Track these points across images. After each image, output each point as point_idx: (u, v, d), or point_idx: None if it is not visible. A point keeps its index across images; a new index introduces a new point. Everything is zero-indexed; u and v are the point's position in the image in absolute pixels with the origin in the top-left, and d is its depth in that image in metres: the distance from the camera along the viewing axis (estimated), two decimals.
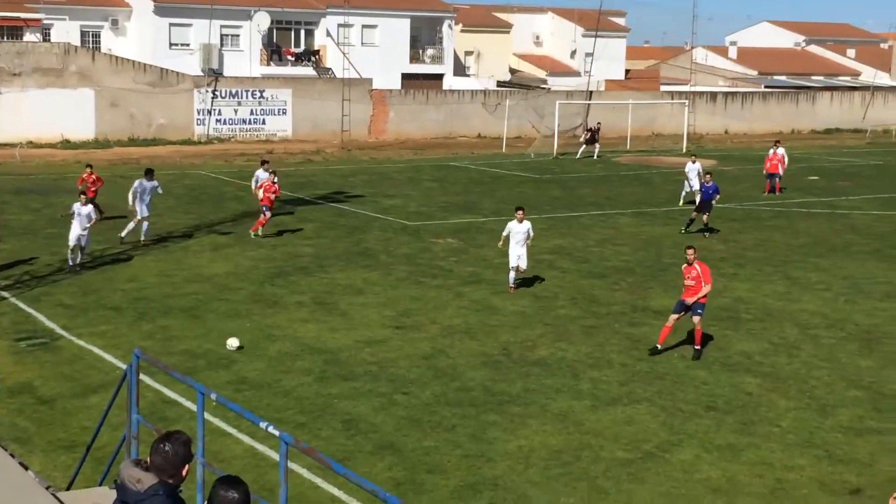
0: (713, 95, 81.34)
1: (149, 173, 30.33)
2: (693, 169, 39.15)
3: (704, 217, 33.66)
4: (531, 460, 14.77)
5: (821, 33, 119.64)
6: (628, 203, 40.71)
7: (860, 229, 35.62)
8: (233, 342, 19.65)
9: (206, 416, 14.91)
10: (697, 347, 20.03)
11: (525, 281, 26.19)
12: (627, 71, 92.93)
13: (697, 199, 34.91)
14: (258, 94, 62.66)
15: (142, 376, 14.92)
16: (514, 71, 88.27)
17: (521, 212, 25.15)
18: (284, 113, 63.52)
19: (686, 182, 39.89)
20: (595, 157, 58.27)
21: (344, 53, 67.10)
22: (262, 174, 32.95)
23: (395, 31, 76.74)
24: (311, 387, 17.75)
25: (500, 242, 25.45)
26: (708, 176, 34.45)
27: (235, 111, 62.16)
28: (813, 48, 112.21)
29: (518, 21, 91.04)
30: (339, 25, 72.82)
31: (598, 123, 63.04)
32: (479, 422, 16.23)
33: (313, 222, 34.26)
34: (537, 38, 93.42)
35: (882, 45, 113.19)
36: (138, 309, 22.68)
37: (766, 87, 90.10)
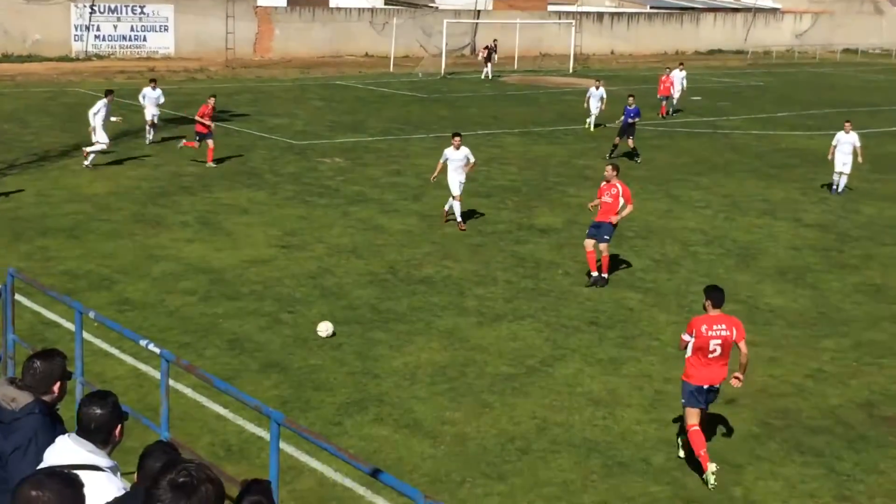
0: (600, 16, 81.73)
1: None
2: (596, 95, 39.11)
3: (630, 141, 32.92)
4: (417, 376, 14.91)
5: None
6: (515, 123, 40.88)
7: (740, 149, 36.38)
8: (325, 327, 16.55)
9: (88, 337, 14.73)
10: (605, 275, 19.67)
11: (412, 199, 26.22)
12: None
13: (618, 123, 34.39)
14: (138, 10, 60.97)
15: (19, 297, 14.62)
16: None
17: (457, 138, 23.31)
18: (166, 30, 61.99)
19: (587, 107, 39.68)
20: (489, 77, 58.11)
21: None
22: (149, 92, 33.16)
23: None
24: (195, 307, 17.59)
25: (435, 174, 23.72)
26: (631, 98, 33.76)
27: (115, 27, 60.45)
28: None
29: None
30: None
31: (495, 41, 62.38)
32: (366, 339, 16.29)
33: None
34: None
35: None
36: (15, 229, 22.12)
37: (651, 7, 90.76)
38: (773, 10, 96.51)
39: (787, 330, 17.52)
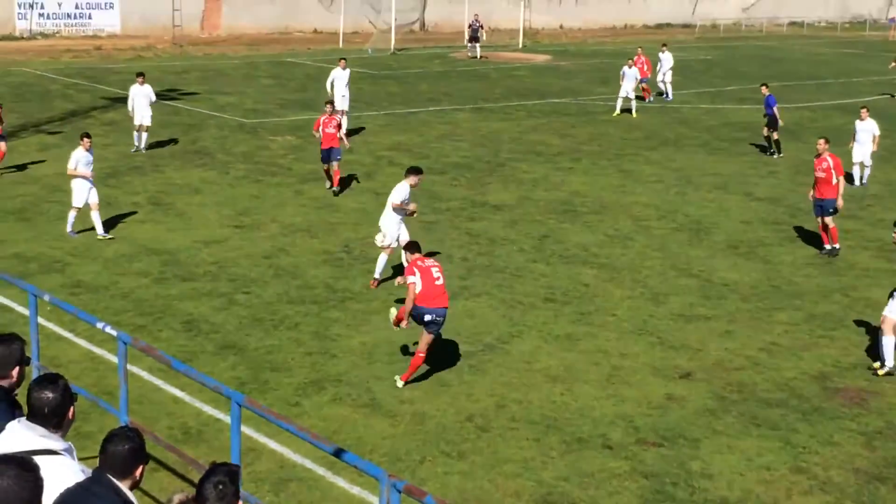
0: None
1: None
2: (630, 75, 37.21)
3: (775, 133, 30.71)
4: (374, 356, 14.90)
5: None
6: (466, 99, 40.83)
7: (690, 123, 36.60)
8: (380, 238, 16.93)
9: (41, 320, 14.53)
10: (836, 246, 20.54)
11: (364, 177, 26.15)
12: None
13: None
14: None
15: None
16: None
17: (415, 176, 17.95)
18: (112, 7, 61.22)
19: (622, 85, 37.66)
20: (478, 57, 56.85)
21: None
22: (138, 89, 28.52)
23: None
24: (149, 288, 17.44)
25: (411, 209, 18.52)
26: (764, 87, 31.74)
27: (59, 5, 59.59)
28: None
29: None
30: None
31: (476, 16, 60.65)
32: (322, 319, 16.24)
33: None
34: None
35: None
36: None
37: None
38: None
39: (741, 304, 17.68)
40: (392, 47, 59.30)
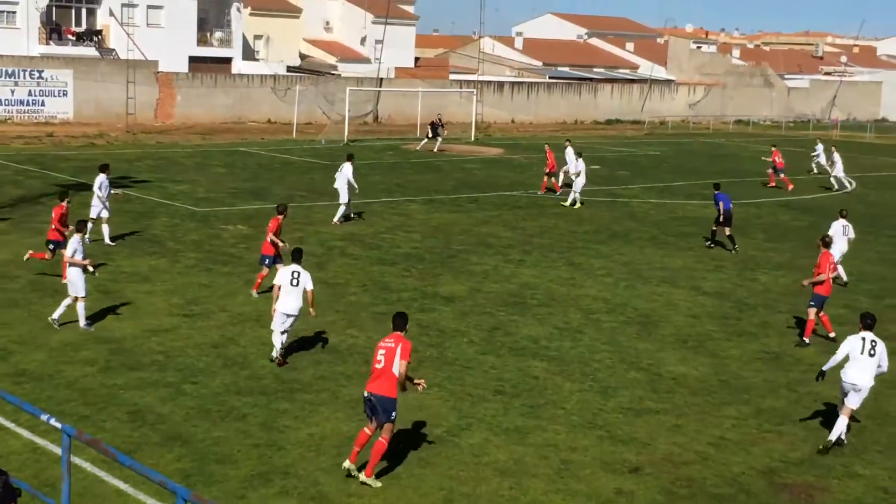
0: (500, 85, 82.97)
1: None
2: (573, 162, 38.44)
3: (727, 230, 31.20)
4: (322, 448, 14.73)
5: (602, 27, 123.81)
6: (418, 190, 41.07)
7: (639, 217, 37.01)
8: None
9: None
10: (806, 339, 21.51)
11: (316, 268, 26.09)
12: (417, 59, 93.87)
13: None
14: (36, 75, 60.19)
15: None
16: (304, 56, 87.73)
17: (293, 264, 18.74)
18: (65, 94, 61.25)
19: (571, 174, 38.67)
20: (435, 151, 57.15)
21: (128, 34, 65.12)
22: (104, 181, 27.64)
23: (182, 11, 75.07)
24: (95, 378, 17.19)
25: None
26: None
27: (12, 91, 59.54)
28: (595, 41, 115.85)
29: (308, 6, 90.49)
30: (123, 5, 70.62)
31: (439, 116, 61.33)
32: (270, 410, 16.07)
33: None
34: (327, 23, 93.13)
35: (658, 40, 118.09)
36: None
37: (550, 77, 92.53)
38: (668, 82, 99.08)
39: (690, 398, 17.73)
40: (345, 138, 59.70)
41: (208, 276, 24.80)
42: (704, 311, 23.84)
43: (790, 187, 46.58)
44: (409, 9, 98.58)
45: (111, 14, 71.79)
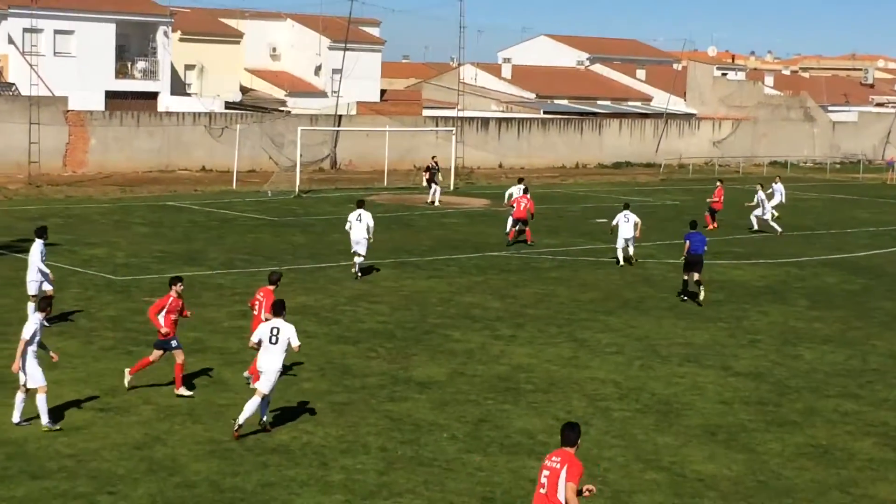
0: (485, 122, 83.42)
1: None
2: (624, 221, 39.31)
3: (694, 276, 33.47)
4: None
5: (607, 51, 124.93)
6: (386, 251, 41.10)
7: (655, 281, 37.13)
8: None
9: None
10: None
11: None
12: (383, 91, 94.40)
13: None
14: None
15: None
16: (246, 90, 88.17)
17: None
18: None
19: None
20: (436, 203, 57.45)
21: (31, 65, 65.31)
22: (40, 246, 27.99)
23: (97, 38, 75.50)
24: None
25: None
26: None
27: None
28: (598, 68, 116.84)
29: (251, 29, 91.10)
30: (25, 30, 70.97)
31: (434, 158, 61.24)
32: None
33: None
34: (274, 50, 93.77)
35: (675, 66, 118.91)
36: None
37: (545, 112, 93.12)
38: (688, 116, 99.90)
39: (721, 503, 17.68)
40: (297, 189, 59.78)
41: (129, 360, 24.68)
42: (737, 396, 23.86)
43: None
44: (374, 31, 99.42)
45: (10, 41, 72.09)
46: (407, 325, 29.22)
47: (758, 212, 51.13)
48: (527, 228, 43.77)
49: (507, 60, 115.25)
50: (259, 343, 20.01)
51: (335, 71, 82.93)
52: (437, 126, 78.43)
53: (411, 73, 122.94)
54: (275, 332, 19.85)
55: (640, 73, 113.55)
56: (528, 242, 43.41)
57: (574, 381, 24.42)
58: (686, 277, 33.65)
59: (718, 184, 54.13)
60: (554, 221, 51.70)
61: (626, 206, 39.98)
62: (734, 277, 38.22)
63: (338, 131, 74.21)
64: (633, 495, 17.87)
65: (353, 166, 74.73)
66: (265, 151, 70.02)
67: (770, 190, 54.22)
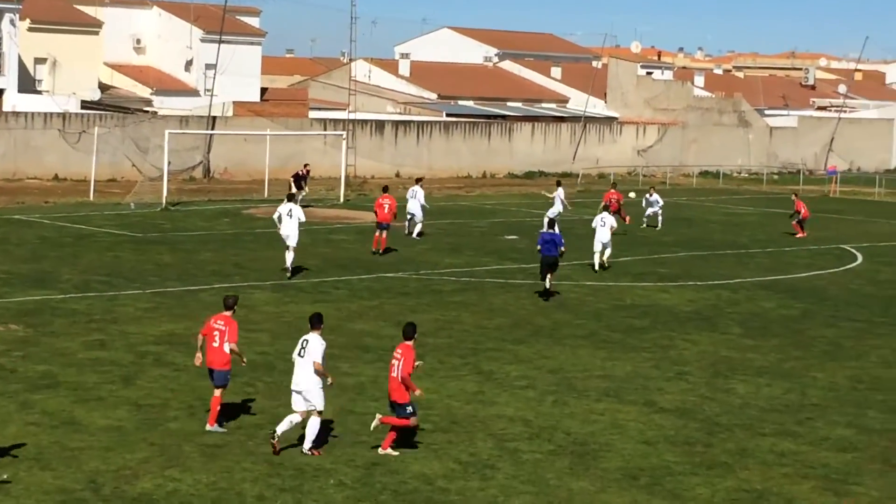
0: (380, 125, 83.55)
1: None
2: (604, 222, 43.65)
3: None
4: None
5: (518, 46, 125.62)
6: (267, 272, 40.95)
7: (571, 306, 37.36)
8: None
9: None
10: None
11: (121, 383, 25.81)
12: (264, 90, 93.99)
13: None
14: None
15: None
16: (106, 87, 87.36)
17: None
18: None
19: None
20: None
21: None
22: None
23: None
24: None
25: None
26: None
27: None
28: (508, 65, 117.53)
29: (111, 18, 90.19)
30: None
31: (306, 167, 61.80)
32: None
33: None
34: (138, 42, 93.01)
35: (594, 64, 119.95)
36: None
37: (448, 115, 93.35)
38: (609, 120, 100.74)
39: None
40: (164, 201, 59.34)
41: None
42: (662, 434, 24.04)
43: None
44: (253, 21, 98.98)
45: None
46: (289, 357, 28.99)
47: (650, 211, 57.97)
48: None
49: (405, 56, 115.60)
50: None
51: (209, 66, 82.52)
52: (325, 130, 78.39)
53: (296, 69, 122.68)
54: (303, 344, 22.32)
55: (556, 72, 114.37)
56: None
57: (479, 419, 24.46)
58: (543, 280, 37.99)
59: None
60: (457, 238, 51.92)
61: (605, 209, 45.94)
62: (659, 301, 38.60)
63: (211, 135, 73.86)
64: None
65: (228, 175, 74.44)
66: (128, 158, 69.51)
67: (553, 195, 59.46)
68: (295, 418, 21.71)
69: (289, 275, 39.17)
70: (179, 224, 53.50)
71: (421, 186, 53.63)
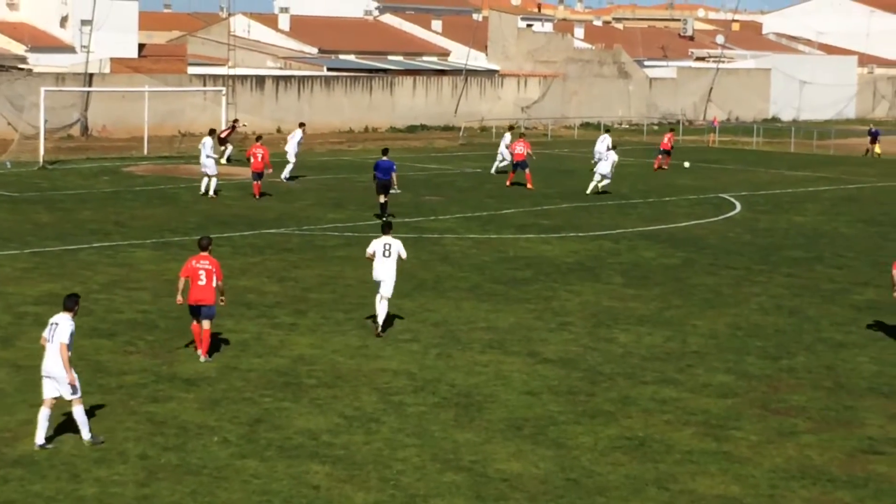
0: (260, 81, 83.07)
1: None
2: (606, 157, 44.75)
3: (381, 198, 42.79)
4: None
5: None
6: (147, 230, 40.60)
7: (455, 259, 37.45)
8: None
9: None
10: None
11: (0, 344, 25.51)
12: (142, 46, 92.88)
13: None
14: None
15: None
16: None
17: None
18: None
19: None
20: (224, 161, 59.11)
21: None
22: None
23: None
24: None
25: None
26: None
27: None
28: (388, 18, 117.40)
29: None
30: None
31: (235, 121, 64.17)
32: None
33: None
34: None
35: (475, 17, 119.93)
36: None
37: (329, 69, 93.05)
38: (491, 73, 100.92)
39: None
40: (41, 159, 58.60)
41: None
42: (545, 385, 24.22)
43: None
44: None
45: None
46: (171, 315, 28.87)
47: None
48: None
49: (284, 10, 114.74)
50: (374, 254, 27.70)
51: (84, 22, 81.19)
52: (204, 86, 77.66)
53: (174, 24, 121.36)
54: (387, 247, 27.67)
55: (437, 25, 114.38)
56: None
57: (363, 374, 24.48)
58: (379, 200, 44.11)
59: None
60: (340, 193, 51.80)
61: (614, 147, 53.56)
62: (542, 253, 38.82)
63: (89, 92, 72.92)
64: (429, 500, 18.00)
65: (107, 132, 73.57)
66: (3, 116, 68.44)
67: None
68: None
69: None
70: (57, 183, 52.81)
71: (304, 131, 58.71)
